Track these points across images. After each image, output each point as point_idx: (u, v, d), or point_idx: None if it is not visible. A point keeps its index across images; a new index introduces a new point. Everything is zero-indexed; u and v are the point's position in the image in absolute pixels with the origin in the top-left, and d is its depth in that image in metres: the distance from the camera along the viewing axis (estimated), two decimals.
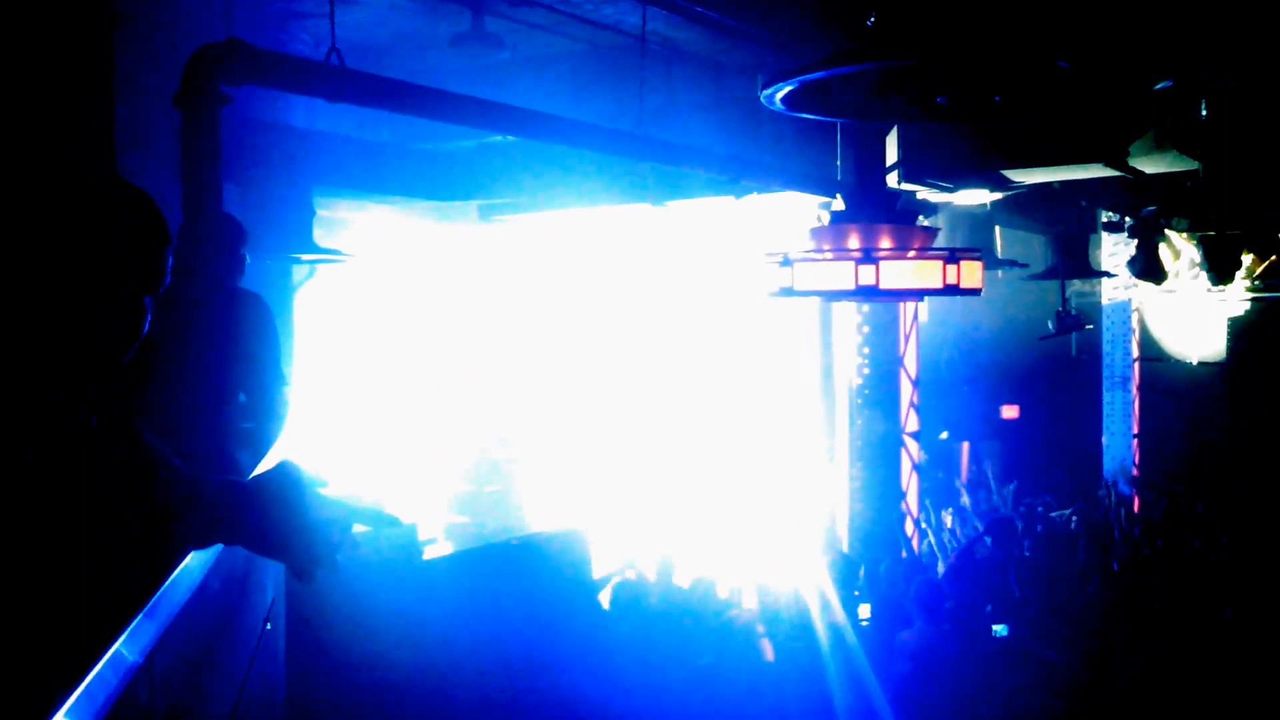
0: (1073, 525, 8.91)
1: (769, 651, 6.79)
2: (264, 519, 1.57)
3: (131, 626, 1.40)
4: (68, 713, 1.16)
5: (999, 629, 5.97)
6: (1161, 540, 7.74)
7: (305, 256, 7.35)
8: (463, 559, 7.10)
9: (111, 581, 1.44)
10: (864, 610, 6.74)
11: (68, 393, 1.46)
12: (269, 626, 2.80)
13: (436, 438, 9.97)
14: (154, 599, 1.51)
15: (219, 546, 1.76)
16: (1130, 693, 5.33)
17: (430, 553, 6.91)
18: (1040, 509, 9.85)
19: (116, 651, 1.33)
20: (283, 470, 1.63)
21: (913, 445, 9.83)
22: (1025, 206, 10.20)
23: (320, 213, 7.58)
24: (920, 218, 7.54)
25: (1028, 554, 7.61)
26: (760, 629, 7.11)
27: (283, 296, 7.61)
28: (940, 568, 7.57)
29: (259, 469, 2.56)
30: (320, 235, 7.44)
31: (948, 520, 10.17)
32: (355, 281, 9.76)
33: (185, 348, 3.53)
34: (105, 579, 1.43)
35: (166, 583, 1.58)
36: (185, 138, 4.37)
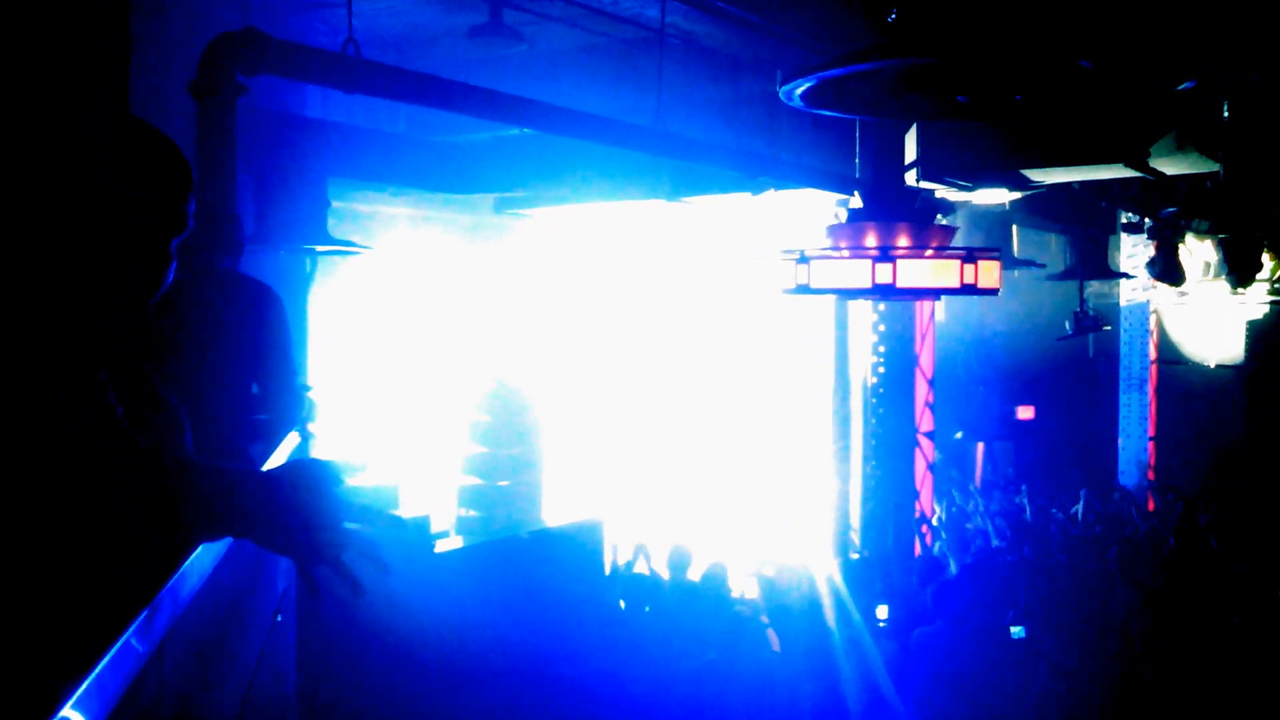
0: (1096, 530, 8.85)
1: (775, 643, 6.78)
2: (272, 513, 1.55)
3: (141, 617, 1.38)
4: (76, 703, 1.15)
5: (1016, 631, 5.92)
6: (1175, 543, 7.68)
7: (319, 248, 7.34)
8: (474, 552, 7.11)
9: (122, 571, 1.43)
10: (882, 611, 6.71)
11: (93, 351, 1.45)
12: (280, 618, 2.79)
13: (448, 431, 9.97)
14: (164, 589, 1.49)
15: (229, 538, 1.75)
16: (1147, 697, 5.29)
17: (442, 546, 6.92)
18: (1055, 510, 9.80)
19: (126, 642, 1.32)
20: (298, 465, 1.61)
21: (927, 445, 9.78)
22: (1044, 207, 10.13)
23: (334, 203, 7.57)
24: (938, 216, 7.49)
25: (1046, 556, 7.57)
26: (764, 619, 7.10)
27: (297, 289, 7.61)
28: (953, 567, 7.53)
29: (270, 462, 2.54)
30: (333, 228, 7.42)
31: (962, 518, 10.13)
32: (370, 274, 9.76)
33: (190, 338, 3.51)
34: (115, 569, 1.42)
35: (177, 573, 1.56)
36: (201, 127, 4.37)
